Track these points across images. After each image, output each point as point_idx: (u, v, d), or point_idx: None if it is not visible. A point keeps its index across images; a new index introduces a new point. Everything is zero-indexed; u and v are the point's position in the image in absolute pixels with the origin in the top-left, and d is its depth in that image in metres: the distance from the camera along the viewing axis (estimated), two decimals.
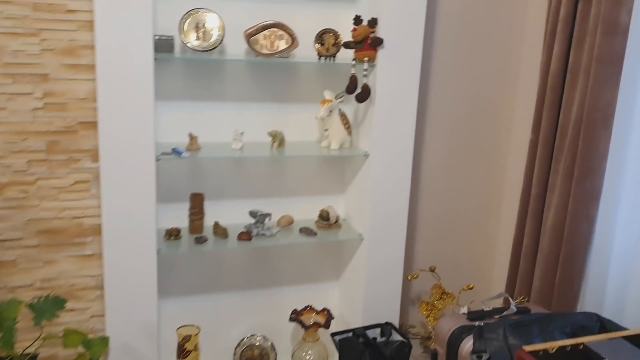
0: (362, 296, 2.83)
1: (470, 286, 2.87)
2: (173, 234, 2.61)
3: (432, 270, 2.98)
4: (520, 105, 3.09)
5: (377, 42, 2.53)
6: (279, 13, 2.68)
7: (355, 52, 2.59)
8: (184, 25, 2.46)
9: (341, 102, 2.70)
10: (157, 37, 2.48)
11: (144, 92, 2.30)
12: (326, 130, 2.72)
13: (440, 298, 2.93)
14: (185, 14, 2.45)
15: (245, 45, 2.55)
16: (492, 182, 3.25)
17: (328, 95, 2.69)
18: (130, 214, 2.40)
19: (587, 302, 2.44)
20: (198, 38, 2.48)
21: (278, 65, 2.75)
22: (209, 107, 2.70)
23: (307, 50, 2.71)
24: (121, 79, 2.27)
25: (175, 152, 2.48)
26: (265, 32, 2.55)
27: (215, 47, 2.48)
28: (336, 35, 2.62)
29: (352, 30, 2.57)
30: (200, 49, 2.47)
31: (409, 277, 2.95)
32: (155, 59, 2.33)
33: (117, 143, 2.32)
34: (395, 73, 2.60)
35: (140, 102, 2.31)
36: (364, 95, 2.59)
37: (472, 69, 3.04)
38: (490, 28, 3.00)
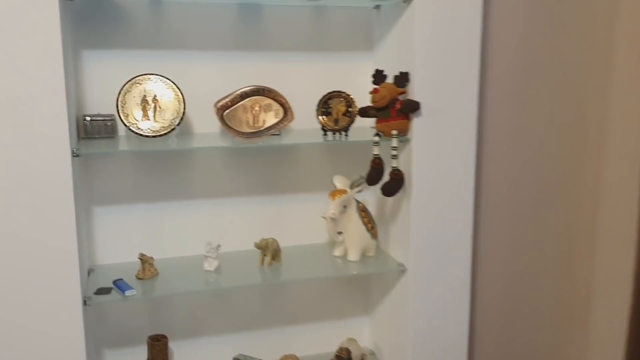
0: None
1: None
2: None
3: None
4: (615, 180, 2.20)
5: (411, 107, 1.72)
6: (265, 72, 1.90)
7: (378, 122, 1.78)
8: (123, 100, 1.68)
9: (359, 192, 1.88)
10: (88, 119, 1.70)
11: (59, 199, 1.50)
12: (340, 233, 1.88)
13: None
14: (124, 86, 1.68)
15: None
16: (579, 281, 2.33)
17: (340, 183, 1.87)
18: None
19: None
20: (146, 117, 1.70)
21: (266, 147, 1.95)
22: (170, 209, 1.90)
23: (306, 121, 1.91)
24: (19, 182, 1.47)
25: (118, 287, 1.66)
26: (245, 102, 1.76)
27: (172, 130, 1.69)
28: (348, 100, 1.81)
29: (371, 92, 1.77)
30: (150, 134, 1.68)
31: None
32: (77, 155, 1.54)
33: (20, 275, 1.51)
34: (440, 150, 1.78)
35: (53, 215, 1.50)
36: (395, 185, 1.76)
37: (543, 134, 2.18)
38: (564, 72, 2.16)
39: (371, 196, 2.06)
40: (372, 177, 1.77)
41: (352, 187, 1.86)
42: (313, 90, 1.92)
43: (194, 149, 1.85)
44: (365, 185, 1.86)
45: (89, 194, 1.82)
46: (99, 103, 1.77)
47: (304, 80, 1.94)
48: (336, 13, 1.95)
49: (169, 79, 1.70)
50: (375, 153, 1.75)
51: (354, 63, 1.98)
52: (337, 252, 1.94)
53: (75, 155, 1.53)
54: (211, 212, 1.94)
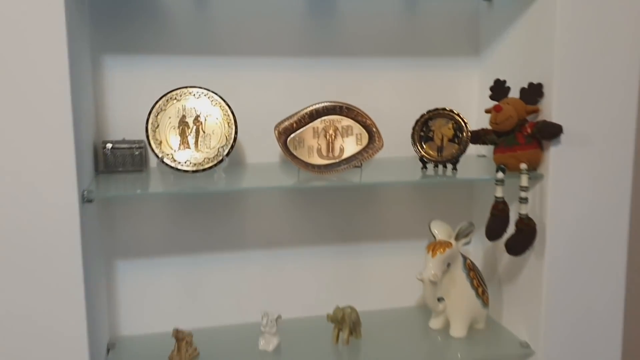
0: None
1: None
2: None
3: None
4: None
5: (549, 132, 1.23)
6: (341, 84, 1.45)
7: (497, 151, 1.30)
8: (155, 122, 1.25)
9: (467, 244, 1.39)
10: (109, 147, 1.28)
11: (64, 257, 1.06)
12: (440, 299, 1.40)
13: None
14: (156, 102, 1.25)
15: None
16: None
17: (441, 232, 1.39)
18: None
19: None
20: (186, 144, 1.26)
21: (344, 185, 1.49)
22: (214, 263, 1.45)
23: (395, 148, 1.45)
24: (11, 234, 1.05)
25: None
26: (317, 123, 1.31)
27: (220, 161, 1.25)
28: (457, 121, 1.33)
29: (490, 110, 1.29)
30: (190, 167, 1.24)
31: None
32: (89, 200, 1.11)
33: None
34: (584, 190, 1.28)
35: (56, 277, 1.06)
36: (525, 240, 1.27)
37: None
38: None
39: (479, 244, 1.56)
40: (494, 230, 1.28)
41: (457, 237, 1.38)
42: (402, 107, 1.46)
43: (248, 190, 1.40)
44: (473, 235, 1.38)
45: (110, 244, 1.39)
46: (124, 125, 1.34)
47: (391, 94, 1.48)
48: (432, 7, 1.48)
49: (216, 94, 1.27)
50: (499, 195, 1.26)
51: (454, 71, 1.51)
52: (435, 323, 1.45)
53: (86, 200, 1.09)
54: (268, 266, 1.48)
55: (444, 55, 1.50)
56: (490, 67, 1.48)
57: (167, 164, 1.23)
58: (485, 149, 1.48)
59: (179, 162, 1.24)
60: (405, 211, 1.54)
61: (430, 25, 1.48)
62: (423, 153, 1.33)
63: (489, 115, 1.30)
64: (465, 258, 1.41)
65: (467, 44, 1.51)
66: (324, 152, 1.31)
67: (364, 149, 1.31)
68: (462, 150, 1.31)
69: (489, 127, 1.30)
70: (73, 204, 1.05)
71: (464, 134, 1.30)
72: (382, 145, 1.29)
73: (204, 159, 1.25)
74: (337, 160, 1.31)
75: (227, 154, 1.24)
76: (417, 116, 1.34)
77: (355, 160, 1.29)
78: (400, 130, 1.38)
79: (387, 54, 1.47)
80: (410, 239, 1.55)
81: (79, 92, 1.10)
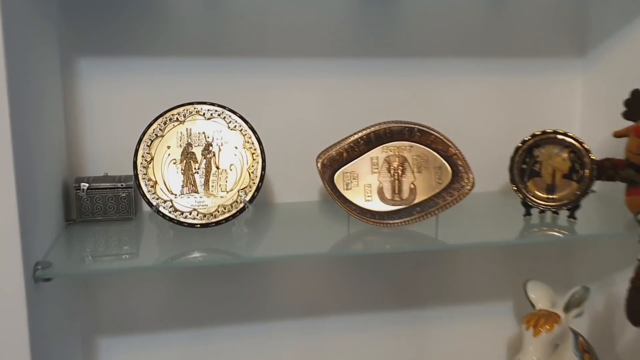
0: None
1: None
2: None
3: None
4: None
5: None
6: (405, 96, 1.07)
7: (635, 192, 0.91)
8: (148, 154, 0.87)
9: (579, 316, 1.01)
10: (84, 188, 0.91)
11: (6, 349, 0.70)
12: None
13: None
14: (149, 126, 0.87)
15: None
16: None
17: (541, 297, 1.02)
18: None
19: None
20: (191, 186, 0.88)
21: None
22: (229, 337, 1.08)
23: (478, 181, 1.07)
24: None
25: None
26: (376, 152, 0.93)
27: (242, 210, 0.86)
28: (575, 149, 0.94)
29: (625, 133, 0.91)
30: (198, 220, 0.86)
31: None
32: (46, 279, 0.73)
33: None
34: None
35: None
36: None
37: None
38: None
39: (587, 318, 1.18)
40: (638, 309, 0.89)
41: (567, 308, 0.99)
42: (483, 123, 1.08)
43: (279, 259, 1.00)
44: (589, 296, 0.99)
45: (89, 318, 1.01)
46: (106, 156, 0.97)
47: (470, 107, 1.09)
48: None
49: (234, 113, 0.89)
50: None
51: (551, 77, 1.13)
52: None
53: (39, 279, 0.72)
54: (304, 340, 1.11)
55: (539, 57, 1.12)
56: (601, 71, 1.10)
57: (164, 216, 0.85)
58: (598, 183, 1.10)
59: (182, 213, 0.85)
60: (484, 266, 1.16)
61: (521, 16, 1.10)
62: (526, 194, 0.95)
63: (606, 137, 0.92)
64: (576, 336, 1.02)
65: (570, 41, 1.13)
66: (388, 194, 0.93)
67: (446, 190, 0.92)
68: (584, 191, 0.92)
69: (609, 156, 0.93)
70: (17, 287, 0.67)
71: (587, 168, 0.91)
72: (473, 186, 0.90)
73: (218, 207, 0.87)
74: (405, 206, 0.92)
75: (251, 200, 0.86)
76: (505, 137, 0.97)
77: (435, 207, 0.91)
78: (483, 156, 1.01)
79: (465, 54, 1.08)
80: (490, 301, 1.17)
81: (31, 111, 0.73)
